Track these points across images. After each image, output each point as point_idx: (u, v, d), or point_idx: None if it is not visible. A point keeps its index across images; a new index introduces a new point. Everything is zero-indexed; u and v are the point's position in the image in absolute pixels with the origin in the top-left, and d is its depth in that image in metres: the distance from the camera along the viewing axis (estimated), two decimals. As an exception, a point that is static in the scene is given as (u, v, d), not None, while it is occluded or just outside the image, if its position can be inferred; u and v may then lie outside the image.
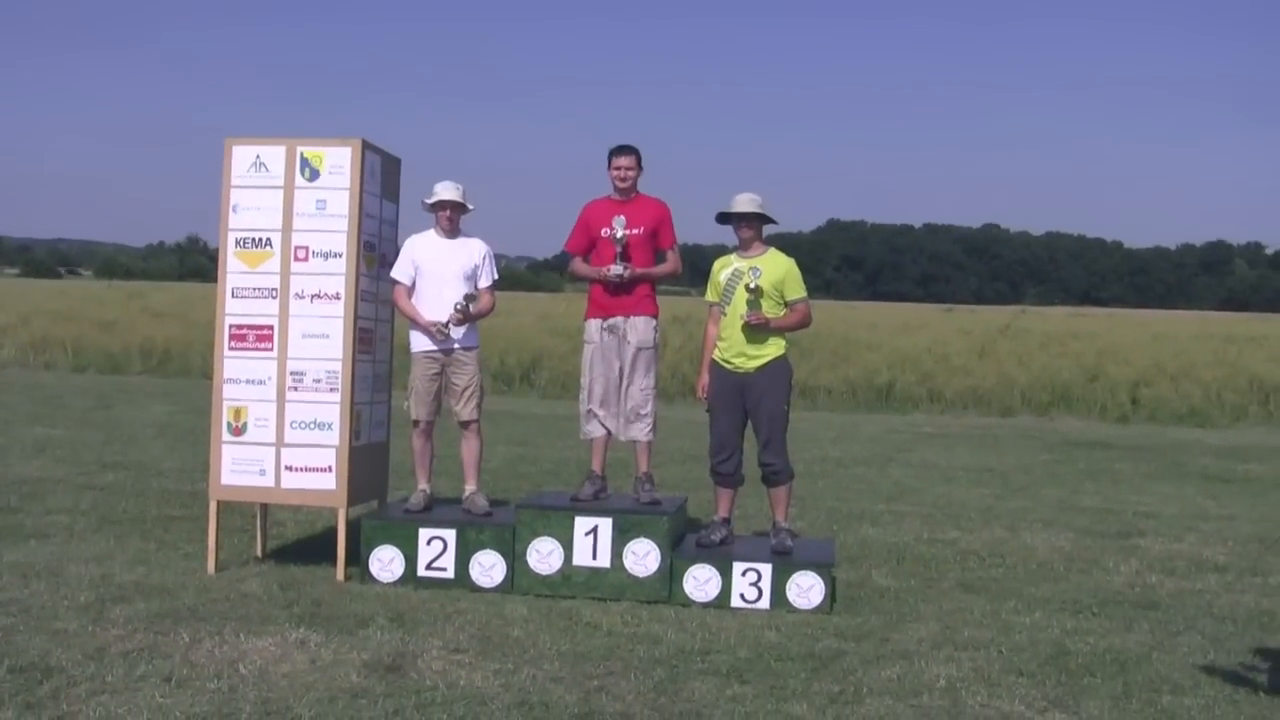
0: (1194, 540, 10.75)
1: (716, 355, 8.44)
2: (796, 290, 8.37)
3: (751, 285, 8.19)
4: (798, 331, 8.65)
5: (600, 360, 8.60)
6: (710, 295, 8.48)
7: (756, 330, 8.25)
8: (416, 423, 8.68)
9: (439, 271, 8.56)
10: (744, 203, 8.32)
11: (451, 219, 8.62)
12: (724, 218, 8.41)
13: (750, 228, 8.34)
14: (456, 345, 8.57)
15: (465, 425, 8.72)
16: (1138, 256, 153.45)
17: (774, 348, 8.35)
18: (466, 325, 8.61)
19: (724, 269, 8.41)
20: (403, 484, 11.87)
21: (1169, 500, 13.17)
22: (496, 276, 8.81)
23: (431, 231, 8.68)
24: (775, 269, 8.34)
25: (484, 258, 8.71)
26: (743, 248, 8.41)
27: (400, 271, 8.62)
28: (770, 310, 8.27)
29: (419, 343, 8.62)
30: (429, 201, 8.59)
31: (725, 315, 8.36)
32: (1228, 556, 10.03)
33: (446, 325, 8.48)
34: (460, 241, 8.66)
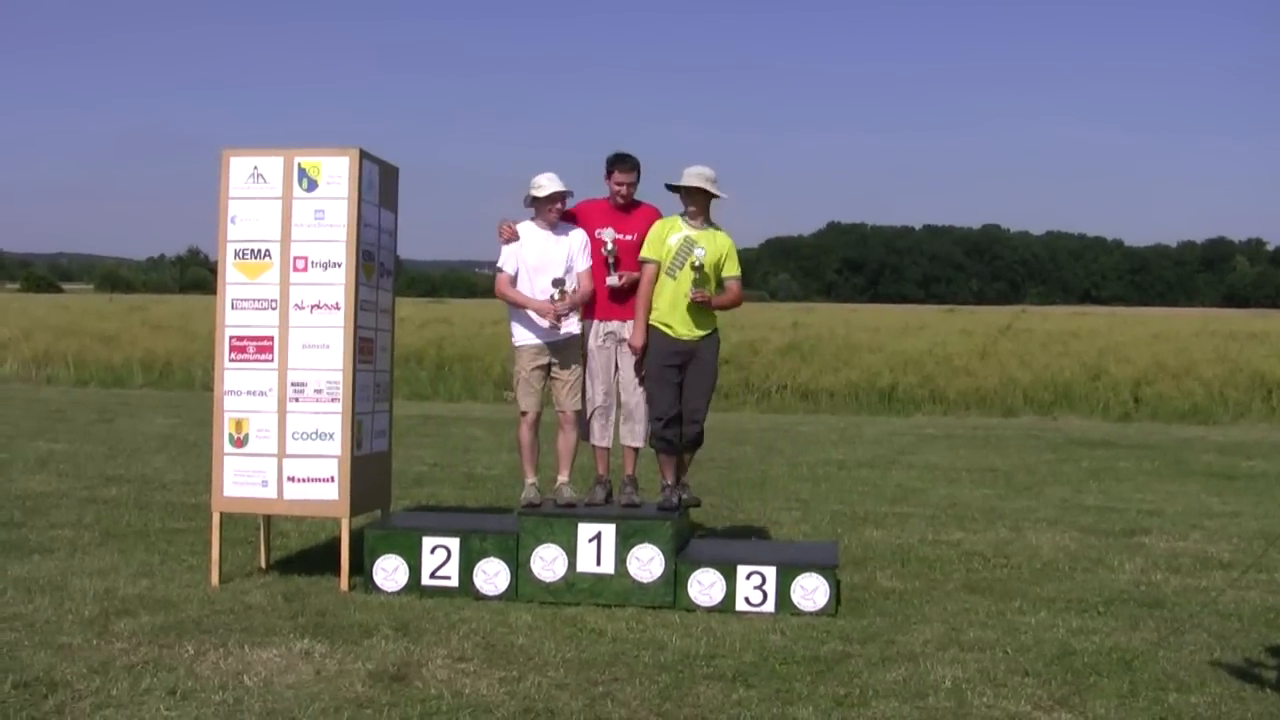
0: (1199, 538, 10.74)
1: (656, 320, 8.47)
2: (734, 268, 8.56)
3: (697, 264, 8.30)
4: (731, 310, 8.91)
5: (600, 368, 8.61)
6: (652, 253, 8.43)
7: (699, 307, 8.41)
8: (525, 414, 8.67)
9: (541, 264, 8.52)
10: (691, 177, 8.42)
11: (560, 211, 8.60)
12: (673, 187, 8.53)
13: (695, 202, 8.45)
14: (563, 333, 8.52)
15: (566, 416, 8.70)
16: (1138, 255, 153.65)
17: (715, 319, 8.60)
18: (573, 312, 8.56)
19: (672, 233, 8.44)
20: (405, 493, 11.90)
21: (1173, 498, 13.15)
22: (590, 263, 8.67)
23: (531, 223, 8.63)
24: (718, 247, 8.48)
25: (582, 246, 8.64)
26: (691, 218, 8.49)
27: (505, 261, 8.59)
28: (707, 286, 8.41)
29: (524, 334, 8.60)
30: (540, 195, 8.47)
31: (673, 280, 8.39)
32: (1233, 553, 10.02)
33: (561, 301, 8.39)
34: (561, 232, 8.61)
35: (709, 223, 8.53)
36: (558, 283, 8.41)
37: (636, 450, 8.75)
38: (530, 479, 8.67)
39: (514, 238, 8.57)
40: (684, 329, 8.42)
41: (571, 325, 8.56)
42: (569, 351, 8.61)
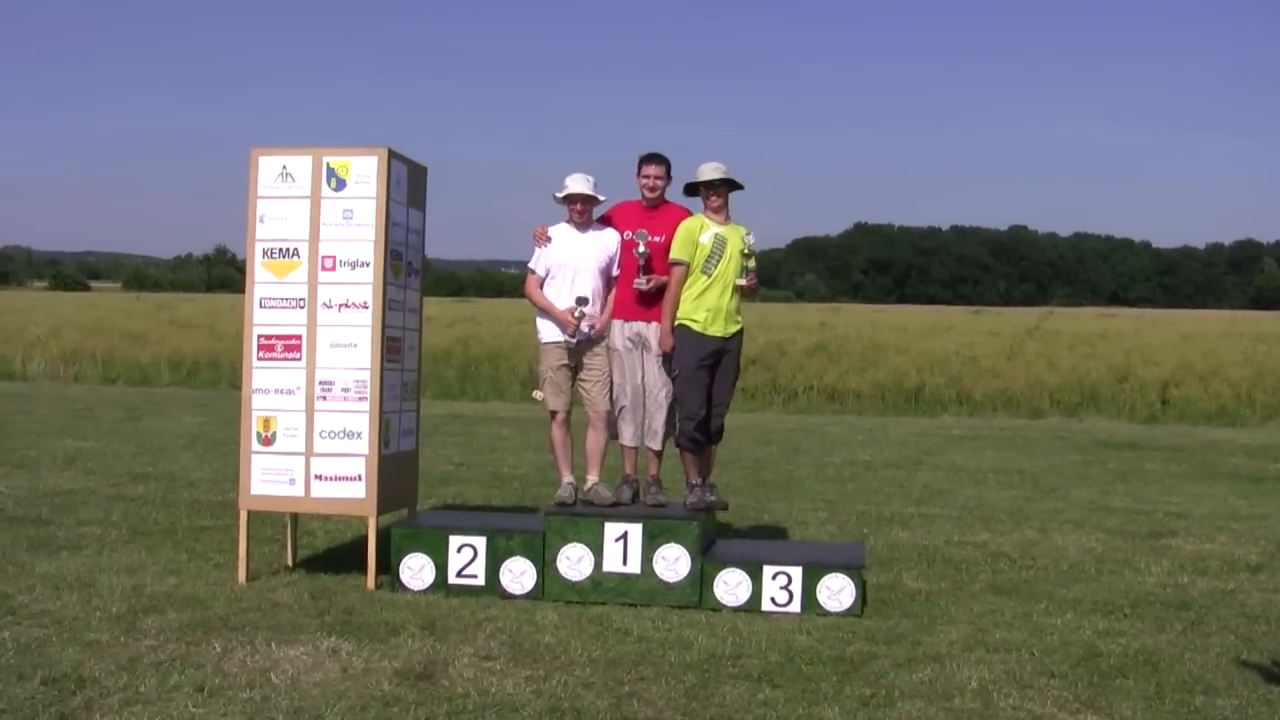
0: (1226, 540, 10.69)
1: (688, 318, 8.45)
2: (753, 257, 8.67)
3: (747, 252, 8.41)
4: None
5: (626, 369, 8.63)
6: (684, 253, 8.42)
7: (740, 296, 8.49)
8: (554, 414, 8.68)
9: (571, 263, 8.55)
10: (711, 170, 8.49)
11: (583, 212, 8.62)
12: (692, 188, 8.57)
13: (720, 195, 8.49)
14: (588, 333, 8.53)
15: (598, 415, 8.70)
16: (1166, 256, 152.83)
17: (742, 316, 8.63)
18: (593, 325, 8.59)
19: (703, 231, 8.45)
20: (432, 492, 11.92)
21: (1200, 500, 13.09)
22: (619, 272, 8.71)
23: (564, 224, 8.69)
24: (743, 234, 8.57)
25: (618, 249, 8.68)
26: (715, 213, 8.51)
27: (535, 262, 8.65)
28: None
29: (549, 332, 8.63)
30: (559, 195, 8.60)
31: (707, 277, 8.41)
32: (1260, 556, 9.97)
33: (578, 318, 8.43)
34: (593, 233, 8.66)
35: (730, 216, 8.58)
36: (582, 300, 8.46)
37: (659, 452, 8.75)
38: (566, 478, 8.68)
39: (547, 241, 8.60)
40: (717, 328, 8.42)
41: (586, 329, 8.56)
42: (595, 350, 8.63)
